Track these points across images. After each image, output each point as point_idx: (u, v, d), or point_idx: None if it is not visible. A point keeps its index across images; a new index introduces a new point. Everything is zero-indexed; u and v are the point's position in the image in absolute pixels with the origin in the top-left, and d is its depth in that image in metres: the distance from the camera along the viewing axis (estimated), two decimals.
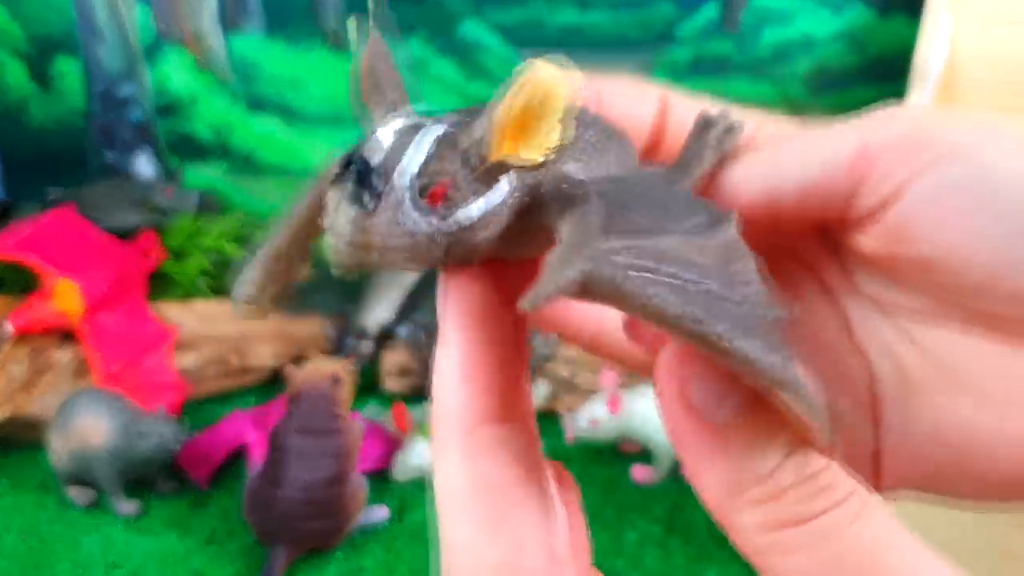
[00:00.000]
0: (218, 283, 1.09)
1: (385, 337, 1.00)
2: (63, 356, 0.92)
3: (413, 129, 0.18)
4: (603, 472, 0.88)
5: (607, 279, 0.16)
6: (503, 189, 0.18)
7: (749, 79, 1.06)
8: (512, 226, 0.18)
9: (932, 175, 0.19)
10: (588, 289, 0.16)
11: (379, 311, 1.01)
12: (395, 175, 0.17)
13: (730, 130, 0.22)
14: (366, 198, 0.17)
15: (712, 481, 0.18)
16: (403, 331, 0.99)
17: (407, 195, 0.17)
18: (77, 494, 0.82)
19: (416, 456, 0.85)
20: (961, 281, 0.19)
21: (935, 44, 0.78)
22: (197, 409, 0.96)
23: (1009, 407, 0.20)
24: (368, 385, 0.97)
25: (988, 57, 0.77)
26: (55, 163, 1.20)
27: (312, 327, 1.02)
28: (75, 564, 0.76)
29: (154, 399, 0.89)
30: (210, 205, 1.14)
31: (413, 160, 0.17)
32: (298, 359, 1.02)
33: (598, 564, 0.72)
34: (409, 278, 1.04)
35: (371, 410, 0.94)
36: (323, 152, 1.16)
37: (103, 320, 0.95)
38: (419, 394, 0.96)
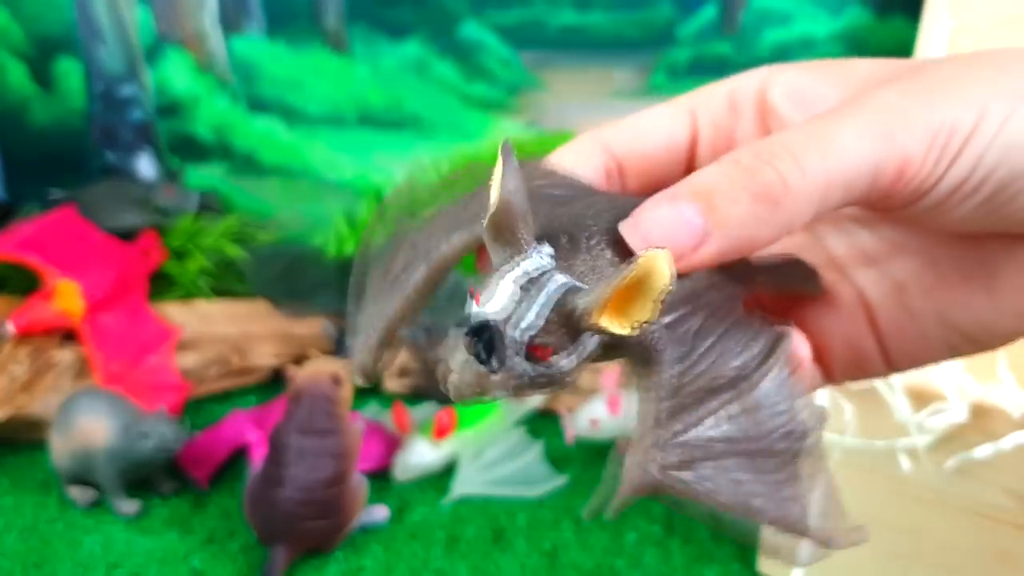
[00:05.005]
0: (219, 283, 1.09)
1: None
2: (64, 356, 0.93)
3: (534, 283, 0.20)
4: (603, 472, 0.88)
5: (669, 488, 0.22)
6: (592, 342, 0.21)
7: None
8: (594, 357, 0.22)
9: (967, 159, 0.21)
10: (655, 492, 0.22)
11: None
12: (514, 330, 0.20)
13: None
14: (494, 363, 0.20)
15: None
16: (403, 332, 1.00)
17: (520, 349, 0.20)
18: (78, 494, 0.82)
19: (416, 456, 0.85)
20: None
21: (934, 45, 0.78)
22: (198, 409, 0.96)
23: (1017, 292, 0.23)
24: (368, 385, 0.97)
25: None
26: (56, 164, 1.20)
27: (313, 327, 1.02)
28: (76, 564, 0.76)
29: (155, 399, 0.89)
30: (211, 206, 1.14)
31: (531, 322, 0.20)
32: (299, 359, 1.02)
33: (597, 564, 0.73)
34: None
35: (371, 410, 0.95)
36: (324, 153, 1.16)
37: (104, 320, 0.95)
38: (419, 394, 0.96)
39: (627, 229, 0.21)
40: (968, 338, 0.25)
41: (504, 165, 0.20)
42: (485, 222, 0.21)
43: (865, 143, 0.20)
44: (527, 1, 1.06)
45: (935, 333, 0.25)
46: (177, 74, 1.15)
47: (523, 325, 0.20)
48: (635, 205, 0.22)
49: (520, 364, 0.20)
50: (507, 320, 0.20)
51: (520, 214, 0.20)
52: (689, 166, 0.26)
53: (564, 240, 0.21)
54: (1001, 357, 0.62)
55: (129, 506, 0.82)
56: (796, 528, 0.23)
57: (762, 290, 0.26)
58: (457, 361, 0.20)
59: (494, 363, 0.20)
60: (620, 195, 0.25)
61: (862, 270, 0.26)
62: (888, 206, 0.22)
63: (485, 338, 0.20)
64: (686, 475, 0.22)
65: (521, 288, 0.20)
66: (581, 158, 0.26)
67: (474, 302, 0.21)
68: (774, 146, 0.21)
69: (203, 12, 1.12)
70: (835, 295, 0.26)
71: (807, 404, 0.23)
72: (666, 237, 0.21)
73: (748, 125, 0.26)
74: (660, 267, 0.19)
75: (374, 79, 1.12)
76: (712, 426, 0.22)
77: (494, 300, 0.20)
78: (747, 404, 0.23)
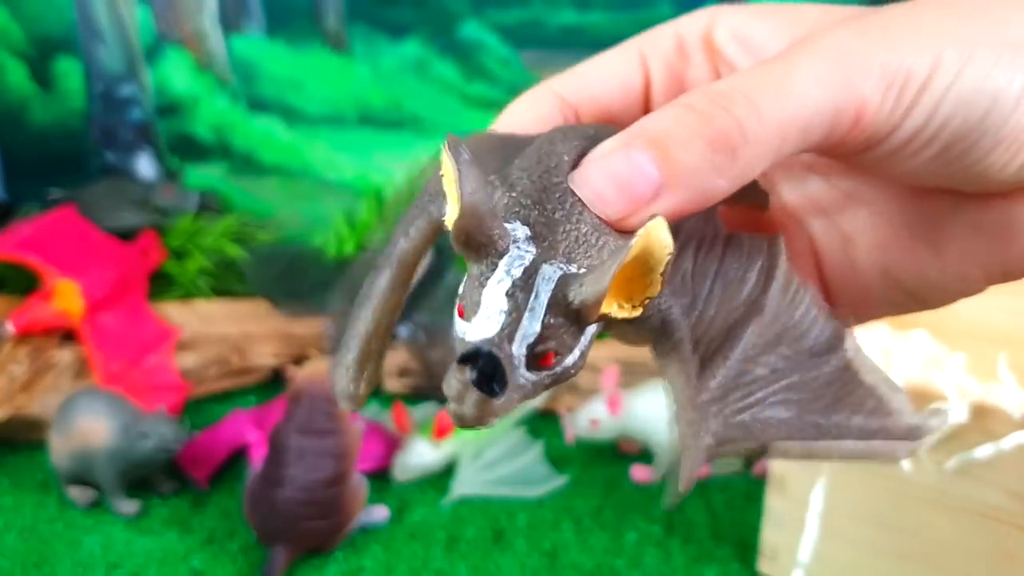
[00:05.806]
0: (219, 283, 1.09)
1: None
2: (64, 356, 0.93)
3: (521, 285, 0.18)
4: (603, 472, 0.88)
5: (732, 440, 0.21)
6: (592, 328, 0.19)
7: None
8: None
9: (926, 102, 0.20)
10: (720, 452, 0.21)
11: None
12: (510, 345, 0.18)
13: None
14: (496, 388, 0.18)
15: None
16: (403, 331, 1.00)
17: (523, 361, 0.18)
18: (78, 494, 0.82)
19: (416, 456, 0.85)
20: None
21: None
22: (198, 409, 0.96)
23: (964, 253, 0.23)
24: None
25: None
26: (56, 164, 1.20)
27: (312, 327, 1.02)
28: (75, 564, 0.76)
29: (155, 399, 0.89)
30: (211, 205, 1.14)
31: (528, 331, 0.18)
32: (299, 359, 1.02)
33: (597, 564, 0.73)
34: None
35: (371, 410, 0.95)
36: (324, 153, 1.16)
37: (104, 320, 0.96)
38: (419, 394, 0.96)
39: (579, 182, 0.20)
40: (912, 296, 0.25)
41: (456, 164, 0.18)
42: (452, 230, 0.18)
43: (822, 87, 0.19)
44: (527, 1, 1.06)
45: (878, 289, 0.25)
46: (177, 74, 1.15)
47: (521, 337, 0.18)
48: (594, 142, 0.20)
49: (522, 377, 0.18)
50: (501, 337, 0.18)
51: (487, 214, 0.18)
52: (646, 109, 0.25)
53: (536, 214, 0.19)
54: (1001, 357, 0.62)
55: (129, 506, 0.82)
56: (868, 435, 0.22)
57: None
58: (454, 389, 0.18)
59: (496, 388, 0.18)
60: (569, 128, 0.23)
61: (813, 219, 0.26)
62: (844, 152, 0.21)
63: (482, 365, 0.18)
64: (736, 429, 0.21)
65: (508, 296, 0.18)
66: (536, 107, 0.25)
67: (459, 317, 0.19)
68: (729, 90, 0.20)
69: (203, 12, 1.12)
70: (785, 226, 0.26)
71: (823, 308, 0.22)
72: (621, 190, 0.19)
73: (699, 68, 0.25)
74: (660, 238, 0.17)
75: (374, 79, 1.12)
76: (744, 368, 0.21)
77: (481, 316, 0.18)
78: (768, 333, 0.21)
